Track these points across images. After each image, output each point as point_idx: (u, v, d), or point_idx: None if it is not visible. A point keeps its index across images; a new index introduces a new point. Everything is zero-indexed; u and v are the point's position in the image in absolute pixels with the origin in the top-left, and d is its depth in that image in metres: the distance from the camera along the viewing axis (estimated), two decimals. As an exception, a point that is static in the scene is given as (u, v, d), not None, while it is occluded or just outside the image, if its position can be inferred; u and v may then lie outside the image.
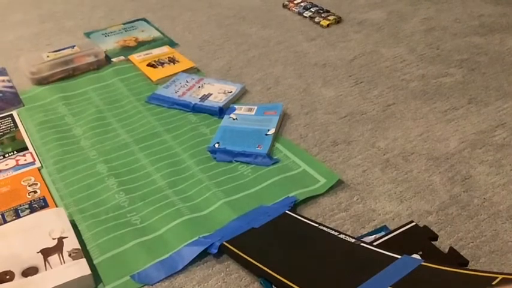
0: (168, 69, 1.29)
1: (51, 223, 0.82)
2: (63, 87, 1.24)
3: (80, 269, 0.75)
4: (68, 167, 0.99)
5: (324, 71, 1.29)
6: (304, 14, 1.57)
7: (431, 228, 0.82)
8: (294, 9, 1.61)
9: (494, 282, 0.64)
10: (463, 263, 0.75)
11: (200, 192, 0.92)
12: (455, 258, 0.76)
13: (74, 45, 1.37)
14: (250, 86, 1.24)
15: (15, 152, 1.03)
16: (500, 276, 0.65)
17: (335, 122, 1.10)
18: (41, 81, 1.25)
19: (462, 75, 1.25)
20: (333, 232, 0.81)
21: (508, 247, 0.79)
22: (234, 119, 1.10)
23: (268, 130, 1.05)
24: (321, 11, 1.58)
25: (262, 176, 0.95)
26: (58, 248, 0.78)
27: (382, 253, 0.74)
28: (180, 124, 1.10)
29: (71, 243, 0.79)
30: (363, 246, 0.77)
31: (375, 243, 0.77)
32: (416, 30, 1.47)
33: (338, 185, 0.93)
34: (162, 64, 1.32)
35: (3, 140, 1.07)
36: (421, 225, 0.82)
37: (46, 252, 0.77)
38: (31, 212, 0.88)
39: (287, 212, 0.86)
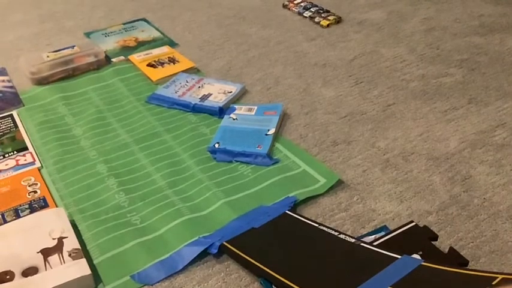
0: (168, 69, 1.29)
1: (51, 223, 0.82)
2: (63, 87, 1.24)
3: (80, 269, 0.75)
4: (68, 167, 0.99)
5: (324, 71, 1.29)
6: (304, 14, 1.57)
7: (431, 228, 0.82)
8: (294, 9, 1.61)
9: (494, 282, 0.64)
10: (463, 263, 0.75)
11: (200, 192, 0.92)
12: (455, 258, 0.76)
13: (74, 45, 1.37)
14: (250, 86, 1.24)
15: (15, 152, 1.03)
16: (500, 276, 0.65)
17: (335, 122, 1.10)
18: (41, 81, 1.25)
19: (462, 75, 1.25)
20: (333, 232, 0.81)
21: (508, 247, 0.79)
22: (234, 119, 1.10)
23: (268, 130, 1.05)
24: (321, 11, 1.58)
25: (262, 176, 0.95)
26: (58, 248, 0.78)
27: (382, 253, 0.74)
28: (180, 124, 1.10)
29: (71, 243, 0.79)
30: (363, 246, 0.77)
31: (375, 243, 0.77)
32: (416, 30, 1.47)
33: (338, 185, 0.93)
34: (162, 64, 1.32)
35: (3, 140, 1.07)
36: (421, 225, 0.82)
37: (46, 252, 0.77)
38: (31, 212, 0.88)
39: (287, 212, 0.86)
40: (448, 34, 1.44)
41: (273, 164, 0.98)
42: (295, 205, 0.88)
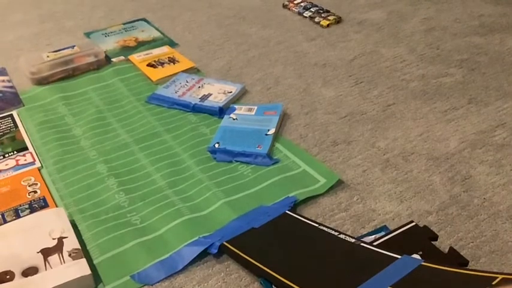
0: (168, 69, 1.29)
1: (51, 223, 0.82)
2: (63, 87, 1.24)
3: (80, 269, 0.75)
4: (68, 167, 0.99)
5: (324, 71, 1.29)
6: (304, 14, 1.57)
7: (431, 228, 0.82)
8: (294, 9, 1.61)
9: (494, 282, 0.64)
10: (463, 263, 0.75)
11: (200, 192, 0.92)
12: (455, 258, 0.76)
13: (74, 45, 1.37)
14: (250, 86, 1.24)
15: (15, 152, 1.03)
16: (500, 276, 0.65)
17: (335, 122, 1.10)
18: (41, 81, 1.25)
19: (462, 75, 1.25)
20: (333, 232, 0.81)
21: (508, 247, 0.79)
22: (234, 119, 1.10)
23: (268, 130, 1.05)
24: (321, 11, 1.58)
25: (262, 176, 0.95)
26: (58, 248, 0.78)
27: (382, 253, 0.74)
28: (180, 124, 1.10)
29: (71, 243, 0.79)
30: (363, 246, 0.77)
31: (375, 243, 0.77)
32: (416, 30, 1.47)
33: (338, 185, 0.93)
34: (162, 64, 1.32)
35: (3, 140, 1.07)
36: (421, 225, 0.82)
37: (46, 252, 0.77)
38: (31, 212, 0.88)
39: (287, 212, 0.86)
40: (448, 34, 1.44)
41: (273, 164, 0.98)
42: (295, 205, 0.88)
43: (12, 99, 1.21)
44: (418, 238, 0.79)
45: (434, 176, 0.94)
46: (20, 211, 0.88)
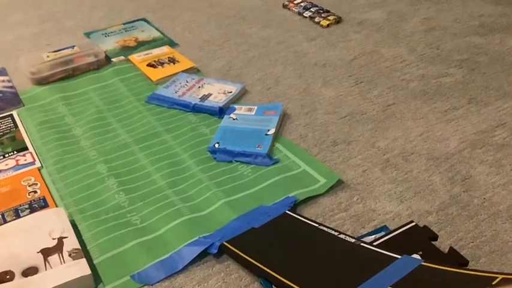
0: (168, 69, 1.29)
1: (51, 223, 0.82)
2: (63, 87, 1.24)
3: (80, 269, 0.75)
4: (68, 167, 0.99)
5: (324, 71, 1.29)
6: (304, 14, 1.57)
7: (431, 228, 0.82)
8: (294, 9, 1.61)
9: (494, 282, 0.64)
10: (463, 263, 0.75)
11: (200, 192, 0.92)
12: (455, 258, 0.76)
13: (74, 45, 1.37)
14: (250, 86, 1.24)
15: (15, 152, 1.03)
16: (500, 276, 0.65)
17: (335, 122, 1.10)
18: (41, 81, 1.25)
19: (462, 75, 1.25)
20: (333, 232, 0.81)
21: (508, 247, 0.79)
22: (234, 119, 1.10)
23: (268, 130, 1.05)
24: (321, 11, 1.58)
25: (262, 176, 0.95)
26: (58, 248, 0.78)
27: (382, 253, 0.74)
28: (180, 124, 1.10)
29: (71, 243, 0.79)
30: (363, 246, 0.77)
31: (375, 243, 0.77)
32: (416, 30, 1.47)
33: (338, 185, 0.93)
34: (162, 64, 1.32)
35: (3, 140, 1.07)
36: (421, 225, 0.82)
37: (46, 252, 0.77)
38: (31, 212, 0.88)
39: (287, 212, 0.86)
40: (448, 34, 1.44)
41: (273, 164, 0.98)
42: (295, 205, 0.88)
43: (12, 99, 1.21)
44: (418, 238, 0.79)
45: (434, 176, 0.94)
46: (20, 211, 0.88)
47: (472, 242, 0.80)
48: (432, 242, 0.79)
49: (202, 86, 1.21)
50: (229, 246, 0.79)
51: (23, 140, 1.07)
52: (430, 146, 1.02)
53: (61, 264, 0.76)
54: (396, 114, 1.12)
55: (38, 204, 0.90)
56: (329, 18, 1.53)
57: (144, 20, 1.58)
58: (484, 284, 0.64)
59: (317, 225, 0.82)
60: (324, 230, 0.81)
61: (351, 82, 1.24)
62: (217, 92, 1.18)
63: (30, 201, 0.90)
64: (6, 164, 1.00)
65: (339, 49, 1.39)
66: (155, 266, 0.78)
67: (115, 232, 0.84)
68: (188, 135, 1.07)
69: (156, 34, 1.49)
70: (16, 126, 1.11)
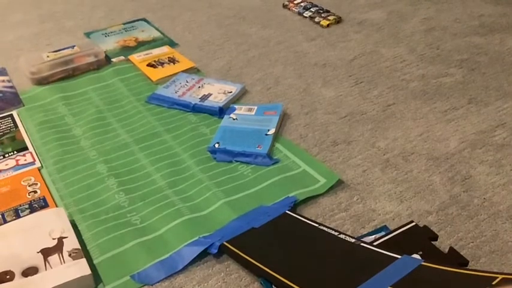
0: (168, 69, 1.29)
1: (51, 223, 0.82)
2: (63, 87, 1.24)
3: (80, 269, 0.75)
4: (68, 167, 0.99)
5: (324, 71, 1.29)
6: (304, 14, 1.57)
7: (431, 228, 0.82)
8: (294, 9, 1.61)
9: (494, 282, 0.64)
10: (463, 263, 0.75)
11: (200, 192, 0.92)
12: (455, 258, 0.76)
13: (74, 45, 1.37)
14: (250, 86, 1.24)
15: (15, 152, 1.03)
16: (500, 276, 0.65)
17: (335, 122, 1.10)
18: (41, 81, 1.25)
19: (462, 75, 1.25)
20: (333, 232, 0.81)
21: (508, 247, 0.79)
22: (234, 119, 1.10)
23: (268, 130, 1.05)
24: (321, 11, 1.58)
25: (262, 176, 0.95)
26: (58, 248, 0.78)
27: (382, 253, 0.74)
28: (180, 124, 1.10)
29: (71, 243, 0.79)
30: (363, 246, 0.77)
31: (375, 243, 0.77)
32: (416, 30, 1.47)
33: (338, 185, 0.93)
34: (162, 64, 1.32)
35: (3, 140, 1.07)
36: (421, 225, 0.82)
37: (46, 252, 0.77)
38: (31, 212, 0.88)
39: (287, 212, 0.86)
40: (448, 34, 1.44)
41: (273, 164, 0.98)
42: (295, 205, 0.88)
43: (12, 99, 1.21)
44: (418, 238, 0.79)
45: (434, 176, 0.94)
46: (20, 211, 0.88)
47: (472, 242, 0.80)
48: (432, 242, 0.79)
49: (202, 86, 1.21)
50: (229, 246, 0.79)
51: (23, 140, 1.07)
52: (430, 146, 1.02)
53: (61, 264, 0.76)
54: (396, 114, 1.12)
55: (38, 204, 0.90)
56: (329, 18, 1.53)
57: (144, 20, 1.58)
58: (484, 284, 0.64)
59: (317, 225, 0.82)
60: (324, 230, 0.81)
61: (351, 82, 1.24)
62: (217, 92, 1.18)
63: (30, 201, 0.90)
64: (6, 164, 1.00)
65: (339, 49, 1.39)
66: (155, 266, 0.78)
67: (115, 232, 0.84)
68: (188, 135, 1.07)
69: (156, 34, 1.49)
70: (16, 126, 1.11)
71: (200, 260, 0.80)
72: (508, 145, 1.01)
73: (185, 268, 0.78)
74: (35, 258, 0.77)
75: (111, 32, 1.50)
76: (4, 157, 1.02)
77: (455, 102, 1.15)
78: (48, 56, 1.31)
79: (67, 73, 1.28)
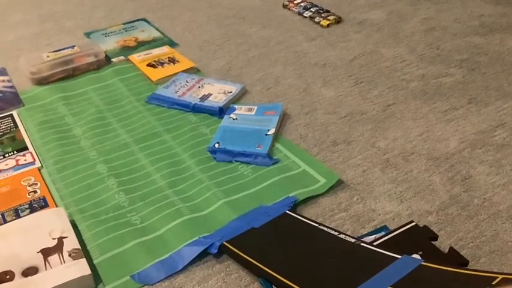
0: (168, 69, 1.29)
1: (51, 223, 0.82)
2: (63, 87, 1.24)
3: (80, 269, 0.75)
4: (68, 167, 0.99)
5: (324, 71, 1.29)
6: (304, 14, 1.57)
7: (431, 228, 0.82)
8: (294, 9, 1.61)
9: (494, 282, 0.64)
10: (463, 263, 0.75)
11: (200, 192, 0.92)
12: (455, 258, 0.76)
13: (74, 45, 1.37)
14: (250, 86, 1.24)
15: (15, 152, 1.03)
16: (500, 276, 0.65)
17: (335, 122, 1.10)
18: (41, 81, 1.25)
19: (462, 75, 1.25)
20: (333, 232, 0.81)
21: (508, 247, 0.79)
22: (234, 119, 1.10)
23: (268, 130, 1.05)
24: (321, 11, 1.58)
25: (262, 176, 0.95)
26: (58, 248, 0.78)
27: (382, 253, 0.74)
28: (180, 124, 1.10)
29: (71, 243, 0.79)
30: (363, 246, 0.77)
31: (375, 243, 0.77)
32: (416, 30, 1.47)
33: (338, 185, 0.93)
34: (162, 64, 1.32)
35: (3, 140, 1.07)
36: (421, 225, 0.82)
37: (46, 252, 0.77)
38: (31, 212, 0.88)
39: (287, 212, 0.86)
40: (448, 34, 1.45)
41: (273, 164, 0.98)
42: (295, 205, 0.88)
43: (12, 99, 1.21)
44: (418, 238, 0.79)
45: (434, 176, 0.94)
46: (20, 211, 0.88)
47: (472, 242, 0.80)
48: (432, 242, 0.79)
49: (202, 86, 1.21)
50: (229, 246, 0.79)
51: (23, 140, 1.07)
52: (430, 146, 1.02)
53: (61, 264, 0.76)
54: (396, 114, 1.12)
55: (38, 204, 0.90)
56: (329, 18, 1.53)
57: (144, 20, 1.58)
58: (484, 284, 0.64)
59: (317, 225, 0.82)
60: (324, 230, 0.81)
61: (351, 82, 1.24)
62: (217, 92, 1.18)
63: (30, 201, 0.90)
64: (6, 164, 1.00)
65: (339, 49, 1.39)
66: (155, 266, 0.78)
67: (115, 232, 0.84)
68: (188, 135, 1.07)
69: (156, 34, 1.49)
70: (16, 126, 1.11)
71: (200, 260, 0.80)
72: (508, 145, 1.01)
73: (185, 268, 0.78)
74: (35, 258, 0.77)
75: (111, 32, 1.50)
76: (4, 157, 1.02)
77: (455, 102, 1.15)
78: (48, 56, 1.31)
79: (67, 73, 1.28)
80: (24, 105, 1.18)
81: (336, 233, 0.80)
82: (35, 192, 0.93)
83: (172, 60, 1.33)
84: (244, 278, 0.77)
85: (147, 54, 1.36)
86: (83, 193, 0.93)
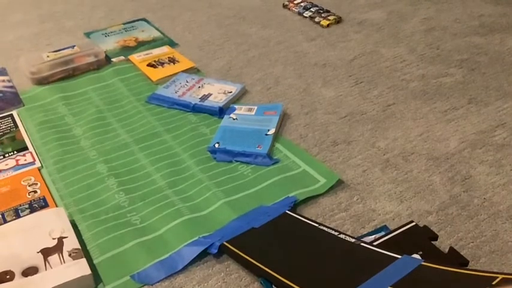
0: (168, 69, 1.29)
1: (51, 223, 0.82)
2: (63, 87, 1.24)
3: (80, 268, 0.75)
4: (68, 167, 0.99)
5: (324, 71, 1.29)
6: (304, 14, 1.57)
7: (431, 228, 0.82)
8: (294, 9, 1.61)
9: (494, 282, 0.64)
10: (463, 263, 0.75)
11: (200, 192, 0.92)
12: (455, 258, 0.76)
13: (74, 45, 1.37)
14: (250, 86, 1.24)
15: (15, 152, 1.03)
16: (500, 276, 0.65)
17: (335, 122, 1.10)
18: (41, 81, 1.25)
19: (462, 75, 1.25)
20: (333, 232, 0.81)
21: (508, 247, 0.79)
22: (234, 119, 1.10)
23: (268, 130, 1.05)
24: (321, 11, 1.58)
25: (262, 176, 0.95)
26: (58, 247, 0.78)
27: (382, 253, 0.74)
28: (180, 124, 1.10)
29: (71, 243, 0.79)
30: (363, 246, 0.77)
31: (375, 243, 0.77)
32: (416, 30, 1.47)
33: (338, 185, 0.93)
34: (162, 64, 1.32)
35: (3, 140, 1.07)
36: (421, 225, 0.82)
37: (46, 252, 0.77)
38: (31, 212, 0.88)
39: (287, 212, 0.86)
40: (448, 34, 1.45)
41: (273, 164, 0.98)
42: (295, 205, 0.88)
43: (12, 99, 1.21)
44: (418, 238, 0.79)
45: (434, 176, 0.94)
46: (20, 211, 0.88)
47: (472, 242, 0.80)
48: (432, 242, 0.79)
49: (202, 86, 1.21)
50: (229, 246, 0.79)
51: (23, 140, 1.07)
52: (430, 146, 1.02)
53: (61, 264, 0.76)
54: (396, 114, 1.12)
55: (38, 204, 0.90)
56: (329, 18, 1.53)
57: (144, 20, 1.58)
58: (484, 284, 0.64)
59: (317, 225, 0.82)
60: (324, 230, 0.81)
61: (351, 82, 1.24)
62: (217, 92, 1.18)
63: (30, 201, 0.90)
64: (6, 164, 1.00)
65: (339, 49, 1.39)
66: (155, 266, 0.78)
67: (115, 232, 0.84)
68: (188, 135, 1.07)
69: (156, 34, 1.49)
70: (16, 126, 1.11)
71: (200, 260, 0.80)
72: (508, 145, 1.01)
73: (185, 268, 0.78)
74: (35, 258, 0.77)
75: (111, 32, 1.50)
76: (4, 157, 1.02)
77: (455, 102, 1.15)
78: (48, 56, 1.31)
79: (67, 73, 1.28)
80: (24, 105, 1.18)
81: (336, 233, 0.80)
82: (35, 192, 0.93)
83: (172, 60, 1.33)
84: (244, 278, 0.77)
85: (147, 54, 1.36)
86: (83, 193, 0.93)
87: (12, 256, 0.77)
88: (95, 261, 0.79)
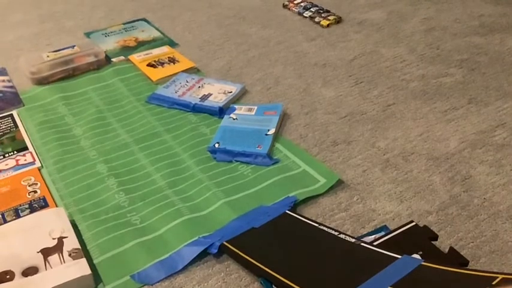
0: (168, 69, 1.29)
1: (51, 223, 0.82)
2: (63, 87, 1.24)
3: (80, 268, 0.75)
4: (68, 167, 0.99)
5: (324, 71, 1.29)
6: (304, 14, 1.57)
7: (431, 228, 0.82)
8: (294, 9, 1.61)
9: (494, 282, 0.64)
10: (463, 263, 0.75)
11: (200, 192, 0.92)
12: (455, 258, 0.76)
13: (74, 45, 1.37)
14: (250, 86, 1.24)
15: (15, 152, 1.03)
16: (500, 276, 0.65)
17: (335, 122, 1.10)
18: (41, 81, 1.25)
19: (462, 75, 1.25)
20: (333, 232, 0.81)
21: (508, 247, 0.79)
22: (234, 119, 1.10)
23: (268, 130, 1.05)
24: (321, 11, 1.58)
25: (262, 176, 0.95)
26: (58, 247, 0.78)
27: (382, 253, 0.74)
28: (180, 124, 1.10)
29: (71, 243, 0.79)
30: (363, 246, 0.77)
31: (375, 243, 0.77)
32: (416, 30, 1.47)
33: (338, 185, 0.93)
34: (162, 64, 1.32)
35: (3, 140, 1.07)
36: (421, 225, 0.82)
37: (46, 252, 0.77)
38: (31, 212, 0.88)
39: (287, 212, 0.86)
40: (448, 34, 1.45)
41: (273, 164, 0.98)
42: (295, 205, 0.88)
43: (12, 99, 1.21)
44: (418, 238, 0.79)
45: (434, 176, 0.94)
46: (20, 211, 0.88)
47: (472, 242, 0.80)
48: (432, 242, 0.79)
49: (202, 86, 1.21)
50: (229, 246, 0.79)
51: (23, 140, 1.07)
52: (430, 146, 1.02)
53: (61, 264, 0.76)
54: (396, 114, 1.12)
55: (38, 204, 0.90)
56: (329, 18, 1.53)
57: (144, 20, 1.58)
58: (484, 284, 0.64)
59: (317, 225, 0.82)
60: (324, 230, 0.81)
61: (351, 82, 1.24)
62: (217, 92, 1.18)
63: (30, 201, 0.90)
64: (6, 164, 1.00)
65: (339, 49, 1.39)
66: (155, 266, 0.78)
67: (115, 232, 0.84)
68: (188, 135, 1.07)
69: (156, 34, 1.49)
70: (16, 126, 1.11)
71: (200, 260, 0.80)
72: (508, 145, 1.01)
73: (185, 268, 0.78)
74: (35, 258, 0.77)
75: (111, 32, 1.50)
76: (4, 157, 1.02)
77: (455, 102, 1.15)
78: (48, 56, 1.31)
79: (67, 73, 1.28)
80: (24, 105, 1.18)
81: (336, 233, 0.80)
82: (35, 192, 0.93)
83: (172, 60, 1.33)
84: (244, 278, 0.77)
85: (147, 54, 1.36)
86: (83, 193, 0.93)
87: (12, 256, 0.77)
88: (95, 261, 0.79)
